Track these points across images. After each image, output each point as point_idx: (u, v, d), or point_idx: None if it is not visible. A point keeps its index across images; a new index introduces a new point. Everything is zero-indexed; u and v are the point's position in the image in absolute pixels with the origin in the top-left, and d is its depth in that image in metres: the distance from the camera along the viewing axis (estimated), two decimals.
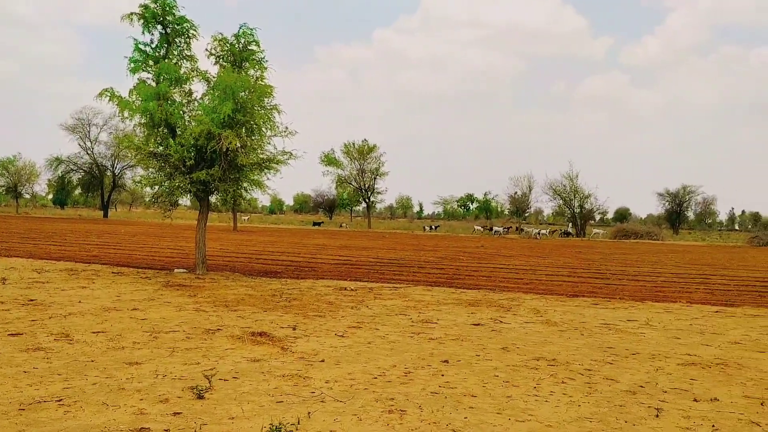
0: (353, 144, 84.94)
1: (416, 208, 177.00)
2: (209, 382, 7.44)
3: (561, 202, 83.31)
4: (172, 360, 8.81)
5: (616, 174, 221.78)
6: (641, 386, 8.25)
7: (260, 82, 20.25)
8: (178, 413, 6.49)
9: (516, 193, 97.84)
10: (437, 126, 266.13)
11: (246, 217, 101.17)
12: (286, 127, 20.12)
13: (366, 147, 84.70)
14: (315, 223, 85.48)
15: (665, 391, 8.02)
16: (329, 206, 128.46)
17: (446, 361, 9.27)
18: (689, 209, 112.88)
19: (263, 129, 20.23)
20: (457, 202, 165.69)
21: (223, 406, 6.77)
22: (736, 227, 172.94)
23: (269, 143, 20.55)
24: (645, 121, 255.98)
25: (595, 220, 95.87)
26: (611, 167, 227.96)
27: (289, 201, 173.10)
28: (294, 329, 11.42)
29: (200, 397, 7.00)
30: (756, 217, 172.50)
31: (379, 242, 46.03)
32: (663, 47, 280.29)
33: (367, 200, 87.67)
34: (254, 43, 20.75)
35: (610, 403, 7.42)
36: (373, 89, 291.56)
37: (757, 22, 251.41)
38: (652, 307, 16.10)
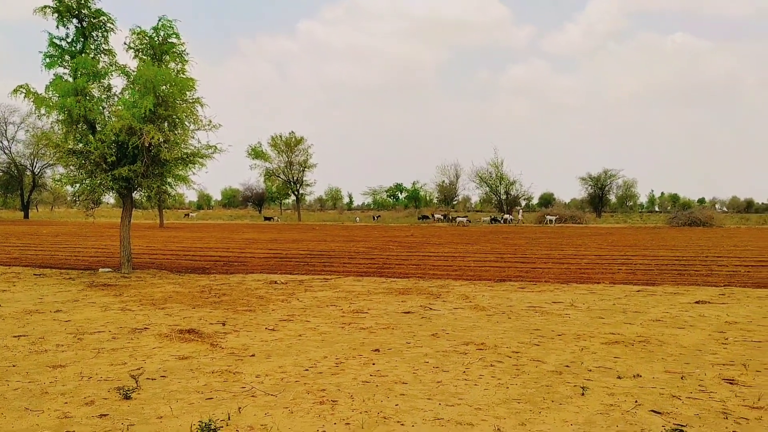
0: (280, 136, 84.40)
1: (346, 200, 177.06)
2: (136, 382, 7.31)
3: (488, 189, 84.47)
4: (98, 361, 8.61)
5: (540, 160, 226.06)
6: (567, 366, 8.46)
7: (181, 75, 19.89)
8: (105, 415, 6.35)
9: (444, 181, 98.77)
10: (364, 117, 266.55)
11: (193, 214, 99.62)
12: (210, 121, 19.84)
13: (293, 139, 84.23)
14: (266, 218, 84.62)
15: (590, 370, 8.24)
16: (258, 200, 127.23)
17: (377, 350, 9.32)
18: (611, 192, 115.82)
19: (186, 123, 19.91)
20: (386, 192, 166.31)
21: (150, 405, 6.66)
22: (656, 209, 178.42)
23: (193, 137, 20.26)
24: (567, 107, 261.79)
25: (521, 206, 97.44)
26: (535, 153, 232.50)
27: (217, 196, 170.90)
28: (223, 325, 11.30)
29: (127, 397, 6.86)
30: (675, 199, 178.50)
31: (309, 234, 45.89)
32: (583, 34, 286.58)
33: (296, 193, 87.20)
34: (174, 36, 20.35)
35: (537, 383, 7.59)
36: (299, 81, 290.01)
37: (672, 9, 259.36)
38: (576, 289, 16.50)
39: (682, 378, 7.83)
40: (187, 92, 19.61)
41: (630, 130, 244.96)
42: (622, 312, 12.94)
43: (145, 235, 41.44)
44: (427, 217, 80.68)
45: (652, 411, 6.55)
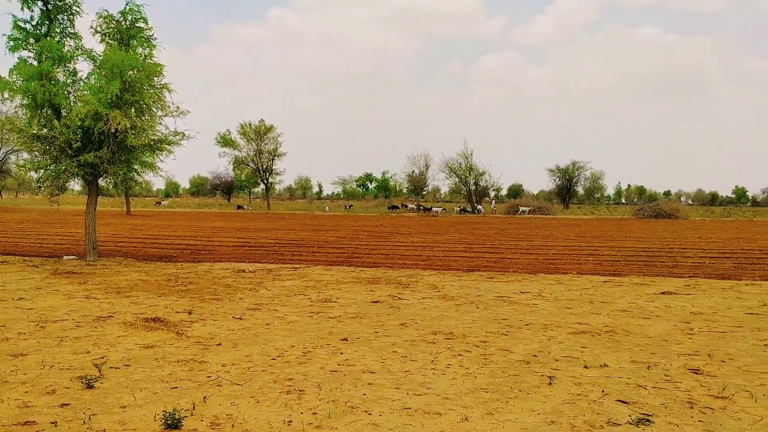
0: (250, 124, 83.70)
1: (315, 189, 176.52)
2: (99, 371, 7.18)
3: (457, 179, 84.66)
4: (60, 350, 8.45)
5: (509, 151, 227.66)
6: (534, 355, 8.48)
7: (149, 60, 19.59)
8: (66, 404, 6.22)
9: (413, 171, 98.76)
10: (335, 105, 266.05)
11: (165, 202, 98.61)
12: (178, 107, 19.57)
13: (263, 127, 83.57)
14: (239, 207, 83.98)
15: (557, 360, 8.27)
16: (227, 188, 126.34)
17: (345, 339, 9.27)
18: (579, 184, 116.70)
19: (153, 109, 19.61)
20: (356, 181, 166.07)
21: (114, 395, 6.54)
22: (623, 201, 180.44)
23: (160, 123, 19.97)
24: (537, 98, 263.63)
25: (489, 197, 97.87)
26: (505, 144, 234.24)
27: (185, 184, 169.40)
28: (190, 314, 11.17)
29: (90, 386, 6.73)
30: (641, 191, 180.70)
31: (279, 224, 45.65)
32: (554, 26, 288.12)
33: (265, 181, 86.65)
34: (142, 21, 20.06)
35: (504, 373, 7.59)
36: (270, 69, 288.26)
37: (641, 2, 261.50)
38: (544, 279, 16.59)
39: (648, 368, 7.88)
40: (155, 78, 19.29)
41: (598, 122, 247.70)
42: (589, 302, 13.02)
43: (111, 223, 40.92)
44: (396, 207, 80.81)
45: (619, 400, 6.58)
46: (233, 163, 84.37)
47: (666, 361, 8.24)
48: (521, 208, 77.72)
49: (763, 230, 42.50)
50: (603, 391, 6.90)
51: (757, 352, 8.87)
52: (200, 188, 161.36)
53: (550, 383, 7.15)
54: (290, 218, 56.74)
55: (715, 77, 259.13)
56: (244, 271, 17.52)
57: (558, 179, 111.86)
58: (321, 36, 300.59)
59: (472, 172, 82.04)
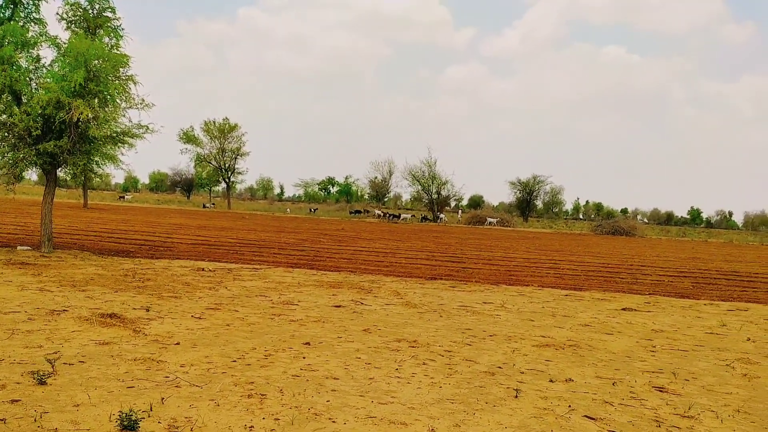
0: (214, 122, 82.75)
1: (277, 190, 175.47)
2: (52, 367, 6.88)
3: (420, 187, 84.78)
4: (12, 343, 8.12)
5: (471, 162, 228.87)
6: (499, 367, 8.39)
7: (115, 50, 19.19)
8: (17, 401, 5.94)
9: (375, 177, 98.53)
10: (300, 107, 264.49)
11: (128, 196, 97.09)
12: (143, 100, 19.16)
13: (227, 125, 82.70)
14: (204, 205, 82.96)
15: (522, 372, 8.18)
16: (187, 185, 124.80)
17: (308, 344, 9.08)
18: (538, 198, 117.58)
19: (117, 100, 19.17)
20: (318, 185, 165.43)
21: (67, 392, 6.27)
22: (580, 216, 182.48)
23: (124, 115, 19.55)
24: (501, 111, 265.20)
25: (450, 206, 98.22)
26: (467, 155, 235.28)
27: (144, 179, 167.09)
28: (147, 311, 10.87)
29: (42, 382, 6.45)
30: (599, 207, 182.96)
31: (239, 223, 45.15)
32: (521, 40, 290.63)
33: (227, 180, 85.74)
34: (110, 10, 19.79)
35: (470, 384, 7.48)
36: (236, 67, 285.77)
37: (607, 22, 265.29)
38: (506, 290, 16.57)
39: (613, 384, 7.83)
40: (121, 69, 18.88)
41: (560, 138, 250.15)
42: (551, 315, 13.00)
43: (68, 215, 40.01)
44: (359, 212, 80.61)
45: (586, 416, 6.50)
46: (195, 161, 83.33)
47: (630, 378, 8.20)
48: (488, 219, 78.09)
49: (717, 251, 43.20)
50: (570, 406, 6.82)
51: (719, 371, 8.89)
52: (160, 184, 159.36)
53: (516, 396, 7.04)
54: (251, 218, 56.18)
55: (675, 99, 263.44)
56: (203, 269, 17.20)
57: (519, 192, 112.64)
58: (289, 37, 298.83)
59: (434, 181, 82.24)
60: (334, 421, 5.93)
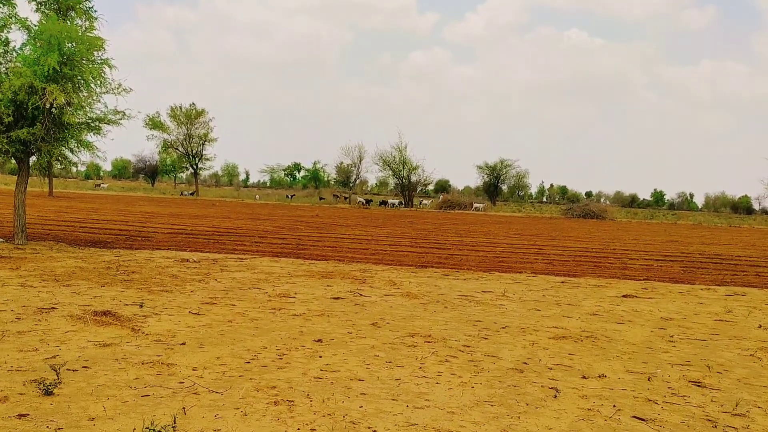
0: (180, 107, 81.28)
1: (243, 176, 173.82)
2: (57, 374, 6.28)
3: (390, 172, 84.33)
4: (4, 347, 7.50)
5: (435, 146, 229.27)
6: (525, 363, 7.99)
7: (89, 33, 18.35)
8: (24, 415, 5.38)
9: (342, 163, 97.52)
10: (264, 93, 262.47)
11: (105, 185, 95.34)
12: (120, 84, 18.38)
13: (194, 111, 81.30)
14: (182, 193, 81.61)
15: (550, 368, 7.78)
16: (151, 172, 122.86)
17: (320, 341, 8.59)
18: (504, 182, 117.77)
19: (92, 85, 18.37)
20: (284, 170, 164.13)
21: (78, 403, 5.72)
22: (545, 199, 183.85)
23: (99, 101, 18.74)
24: (464, 96, 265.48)
25: (417, 191, 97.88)
26: (431, 139, 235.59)
27: (107, 166, 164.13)
28: (141, 307, 10.28)
29: (48, 393, 5.89)
30: (563, 191, 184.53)
31: (211, 210, 44.30)
32: (485, 25, 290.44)
33: (195, 167, 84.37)
34: None
35: (501, 383, 7.06)
36: (198, 53, 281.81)
37: (569, 7, 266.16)
38: (500, 278, 16.22)
39: (648, 379, 7.47)
40: (95, 52, 18.08)
41: (523, 122, 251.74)
42: (556, 304, 12.66)
43: (34, 204, 38.74)
44: (337, 197, 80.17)
45: (635, 417, 6.12)
46: (162, 147, 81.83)
47: (662, 372, 7.85)
48: (475, 205, 78.52)
49: (691, 234, 43.48)
50: (614, 405, 6.44)
51: (747, 363, 8.59)
52: (123, 171, 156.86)
53: (555, 396, 6.64)
54: (221, 205, 55.28)
55: (636, 83, 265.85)
56: (188, 260, 16.57)
57: (486, 176, 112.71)
58: (251, 22, 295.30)
59: (405, 166, 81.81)
60: (374, 430, 5.46)
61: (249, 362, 7.38)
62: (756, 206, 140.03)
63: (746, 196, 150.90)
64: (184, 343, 8.07)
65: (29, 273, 13.13)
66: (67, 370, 6.63)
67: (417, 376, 7.17)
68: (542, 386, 6.99)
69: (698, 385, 7.34)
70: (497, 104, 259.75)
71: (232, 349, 7.91)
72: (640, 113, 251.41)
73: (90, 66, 18.00)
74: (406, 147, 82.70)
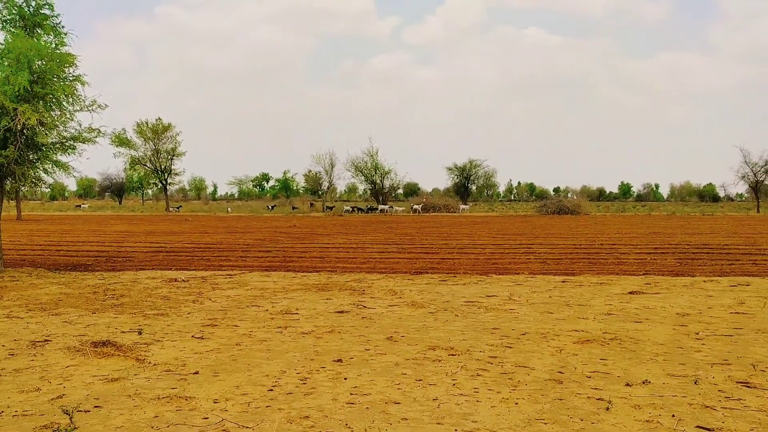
0: (147, 123, 80.00)
1: (210, 189, 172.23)
2: (70, 419, 5.71)
3: (363, 178, 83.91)
4: (3, 388, 6.90)
5: (403, 150, 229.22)
6: (560, 372, 7.55)
7: (59, 49, 17.64)
8: None
9: (310, 171, 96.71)
10: (228, 104, 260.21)
11: (85, 205, 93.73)
12: (94, 101, 17.68)
13: (161, 126, 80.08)
14: (176, 208, 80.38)
15: (589, 377, 7.36)
16: (118, 190, 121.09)
17: (339, 360, 8.08)
18: (473, 182, 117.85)
19: (65, 103, 17.67)
20: (252, 181, 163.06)
21: None
22: (513, 197, 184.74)
23: (73, 119, 18.03)
24: (429, 98, 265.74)
25: (393, 195, 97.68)
26: (399, 143, 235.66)
27: (71, 186, 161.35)
28: (140, 333, 9.69)
29: None
30: (531, 188, 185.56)
31: (185, 226, 43.43)
32: (444, 27, 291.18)
33: (164, 182, 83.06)
34: (47, 7, 18.07)
35: (545, 396, 6.61)
36: (159, 66, 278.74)
37: (527, 5, 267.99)
38: (500, 280, 15.82)
39: (695, 383, 7.07)
40: (67, 68, 17.38)
41: (488, 122, 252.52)
42: (566, 305, 12.27)
43: (4, 229, 37.65)
44: (330, 208, 79.62)
45: (699, 427, 5.71)
46: (129, 164, 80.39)
47: (705, 374, 7.47)
48: (462, 207, 79.23)
49: (670, 224, 43.59)
50: (673, 415, 6.02)
51: None
52: (88, 190, 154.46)
53: (608, 408, 6.21)
54: (194, 220, 54.37)
55: (596, 78, 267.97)
56: (176, 280, 15.94)
57: (456, 177, 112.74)
58: (211, 33, 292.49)
59: (378, 171, 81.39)
60: None
61: (272, 389, 6.86)
62: (721, 194, 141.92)
63: (711, 184, 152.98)
64: (197, 372, 7.52)
65: (13, 303, 12.46)
66: (78, 411, 6.06)
67: (454, 394, 6.71)
68: (588, 398, 6.57)
69: (748, 386, 6.96)
70: (462, 105, 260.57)
71: (250, 376, 7.37)
72: (603, 107, 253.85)
73: (62, 83, 17.31)
74: (377, 152, 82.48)
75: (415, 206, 77.60)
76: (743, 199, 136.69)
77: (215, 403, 6.40)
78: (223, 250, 24.47)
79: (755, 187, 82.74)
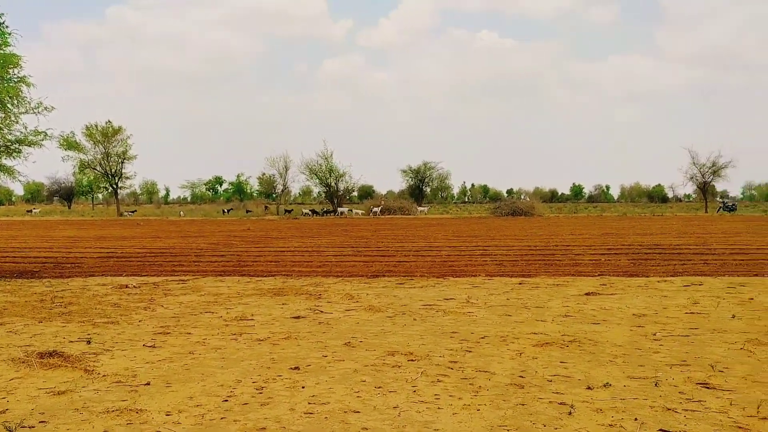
0: (96, 126, 78.37)
1: (162, 193, 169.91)
2: None
3: (317, 180, 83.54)
4: None
5: (357, 152, 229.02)
6: (521, 377, 7.47)
7: (3, 49, 17.13)
8: None
9: (264, 174, 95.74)
10: (181, 108, 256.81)
11: (36, 210, 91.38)
12: (40, 102, 17.22)
13: (110, 129, 78.53)
14: (121, 214, 78.47)
15: (549, 381, 7.29)
16: (66, 194, 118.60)
17: (297, 368, 7.88)
18: (428, 184, 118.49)
19: (9, 105, 17.16)
20: (206, 185, 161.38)
21: None
22: (467, 199, 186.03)
23: (18, 122, 17.52)
24: (383, 101, 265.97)
25: (348, 197, 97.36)
26: (353, 146, 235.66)
27: (19, 190, 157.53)
28: (89, 343, 9.36)
29: None
30: (485, 190, 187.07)
31: (137, 230, 42.61)
32: (398, 30, 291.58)
33: (114, 186, 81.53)
34: None
35: (507, 402, 6.51)
36: (109, 69, 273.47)
37: (479, 9, 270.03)
38: (457, 283, 15.75)
39: (656, 385, 7.04)
40: (11, 69, 16.89)
41: (441, 124, 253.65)
42: (524, 308, 12.24)
43: None
44: (267, 209, 79.13)
45: (662, 431, 5.66)
46: (79, 167, 78.60)
47: (664, 375, 7.45)
48: (420, 208, 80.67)
49: (622, 225, 44.21)
50: (635, 418, 5.97)
51: (743, 358, 8.29)
52: (36, 195, 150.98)
53: (570, 413, 6.13)
54: (146, 224, 53.41)
55: (548, 80, 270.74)
56: (127, 286, 15.53)
57: (410, 179, 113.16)
58: (163, 35, 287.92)
59: (332, 173, 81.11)
60: None
61: (227, 400, 6.64)
62: (670, 194, 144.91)
63: (660, 185, 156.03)
64: (148, 383, 7.25)
65: None
66: (22, 427, 5.78)
67: (414, 401, 6.57)
68: (550, 402, 6.48)
69: (707, 387, 6.96)
70: (416, 107, 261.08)
71: (204, 386, 7.13)
72: (554, 110, 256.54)
73: (6, 85, 16.82)
74: (332, 154, 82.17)
75: (375, 209, 77.67)
76: (691, 199, 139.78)
77: (168, 415, 6.16)
78: (176, 254, 24.02)
79: (703, 188, 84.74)
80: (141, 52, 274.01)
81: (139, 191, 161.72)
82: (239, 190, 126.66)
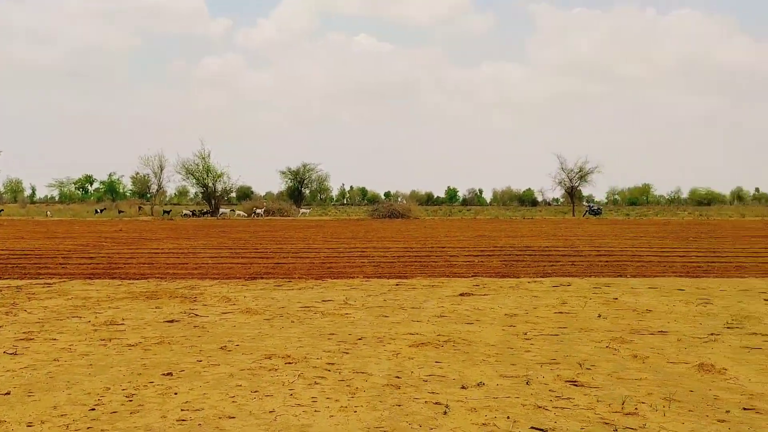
0: None
1: (28, 192, 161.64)
2: None
3: (194, 181, 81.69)
4: None
5: (238, 153, 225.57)
6: (397, 377, 7.54)
7: None
8: None
9: (138, 173, 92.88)
10: (49, 104, 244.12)
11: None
12: None
13: None
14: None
15: (425, 381, 7.40)
16: None
17: (169, 374, 7.65)
18: (307, 186, 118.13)
19: None
20: (75, 184, 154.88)
21: None
22: (345, 201, 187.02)
23: None
24: (261, 102, 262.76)
25: (225, 198, 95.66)
26: (230, 146, 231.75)
27: None
28: None
29: None
30: (363, 192, 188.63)
31: None
32: (277, 31, 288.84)
33: None
34: None
35: (384, 403, 6.56)
36: None
37: (358, 13, 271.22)
38: (335, 285, 15.77)
39: (527, 383, 7.28)
40: None
41: (322, 126, 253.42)
42: (401, 308, 12.39)
43: None
44: (141, 209, 76.44)
45: (534, 428, 5.85)
46: None
47: (535, 373, 7.71)
48: (301, 210, 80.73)
49: (494, 228, 45.59)
50: (508, 417, 6.14)
51: (608, 356, 8.68)
52: None
53: (445, 413, 6.25)
54: (9, 224, 50.64)
55: (424, 86, 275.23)
56: None
57: (289, 181, 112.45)
58: (31, 28, 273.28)
59: (210, 174, 79.51)
60: None
61: (94, 409, 6.36)
62: (539, 198, 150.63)
63: (530, 189, 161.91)
64: (8, 393, 6.85)
65: None
66: None
67: (291, 405, 6.51)
68: (426, 402, 6.58)
69: (575, 385, 7.25)
70: (295, 109, 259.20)
71: (70, 395, 6.81)
72: (430, 114, 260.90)
73: None
74: (209, 154, 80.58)
75: (258, 210, 76.76)
76: (559, 203, 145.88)
77: (29, 426, 5.84)
78: (42, 256, 22.87)
79: (570, 192, 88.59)
80: (7, 44, 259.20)
81: (2, 189, 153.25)
82: (111, 189, 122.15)
